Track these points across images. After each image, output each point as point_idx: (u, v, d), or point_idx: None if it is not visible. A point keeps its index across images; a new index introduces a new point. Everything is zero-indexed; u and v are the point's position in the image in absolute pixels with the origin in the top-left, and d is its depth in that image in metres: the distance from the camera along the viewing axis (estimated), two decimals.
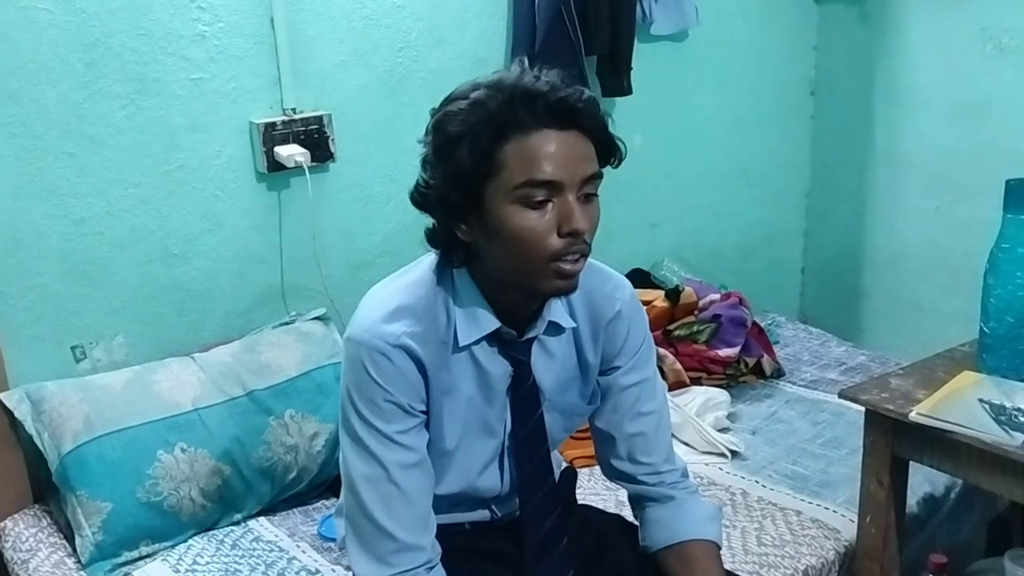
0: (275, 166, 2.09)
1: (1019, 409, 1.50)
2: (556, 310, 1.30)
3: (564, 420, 1.40)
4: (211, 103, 2.02)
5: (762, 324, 2.63)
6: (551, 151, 1.13)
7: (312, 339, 2.10)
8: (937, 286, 2.85)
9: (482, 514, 1.44)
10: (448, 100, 1.19)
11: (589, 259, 1.24)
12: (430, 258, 1.29)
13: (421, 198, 1.23)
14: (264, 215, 2.15)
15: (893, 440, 1.59)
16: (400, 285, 1.27)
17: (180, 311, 2.09)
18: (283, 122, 2.08)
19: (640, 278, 2.69)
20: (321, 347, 2.09)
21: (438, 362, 1.25)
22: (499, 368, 1.30)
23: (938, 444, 1.52)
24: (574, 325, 1.33)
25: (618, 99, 2.51)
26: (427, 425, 1.28)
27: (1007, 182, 1.59)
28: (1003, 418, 1.47)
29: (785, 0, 2.94)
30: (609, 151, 1.20)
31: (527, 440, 1.35)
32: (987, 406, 1.51)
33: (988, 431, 1.44)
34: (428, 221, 1.24)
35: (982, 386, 1.58)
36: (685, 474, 1.44)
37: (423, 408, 1.26)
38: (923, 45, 2.75)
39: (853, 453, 2.08)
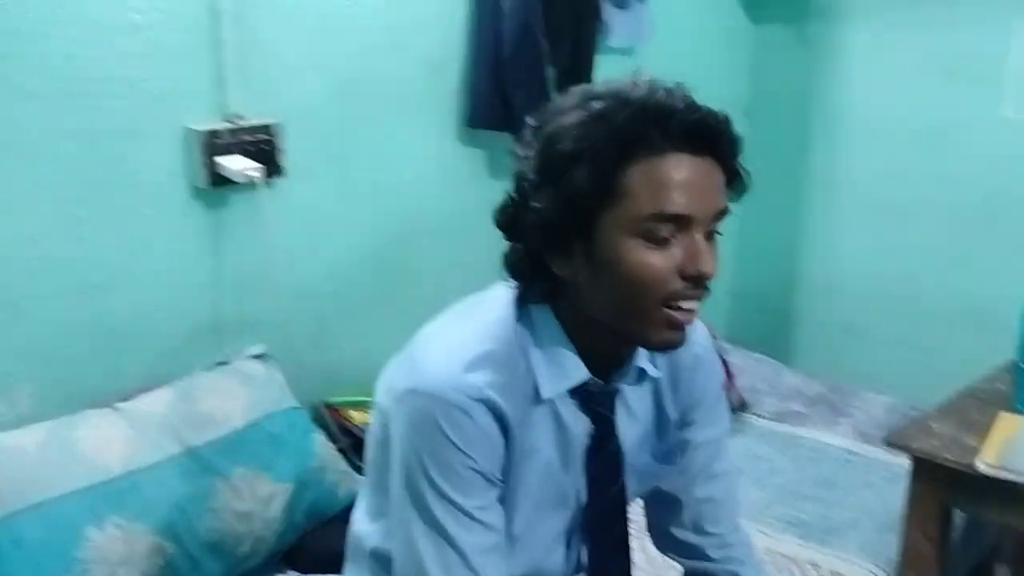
0: (217, 180, 1.78)
1: None
2: (641, 356, 1.11)
3: (637, 485, 1.19)
4: (143, 105, 1.69)
5: None
6: (685, 180, 0.94)
7: (255, 382, 1.80)
8: (872, 311, 2.84)
9: None
10: (558, 110, 0.98)
11: None
12: (503, 292, 1.07)
13: (513, 221, 1.02)
14: (199, 237, 1.83)
15: (947, 491, 1.48)
16: (477, 326, 1.04)
17: (99, 352, 1.74)
18: (228, 130, 1.78)
19: None
20: (267, 391, 1.80)
21: (520, 419, 1.03)
22: (581, 426, 1.09)
23: (1002, 496, 1.42)
24: (659, 374, 1.14)
25: None
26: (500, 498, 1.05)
27: None
28: None
29: (722, 19, 2.88)
30: (735, 182, 1.02)
31: (605, 514, 1.14)
32: None
33: None
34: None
35: None
36: (751, 546, 1.28)
37: (501, 477, 1.04)
38: (864, 69, 2.74)
39: (848, 494, 2.00)
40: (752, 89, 2.99)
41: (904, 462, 2.08)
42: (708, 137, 0.96)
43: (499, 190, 2.43)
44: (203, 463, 1.64)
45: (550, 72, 2.22)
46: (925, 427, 1.54)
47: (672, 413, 1.18)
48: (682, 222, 0.95)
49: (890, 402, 2.40)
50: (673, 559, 1.28)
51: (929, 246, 2.66)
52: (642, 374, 1.12)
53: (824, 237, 2.93)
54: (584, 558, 1.17)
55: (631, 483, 1.17)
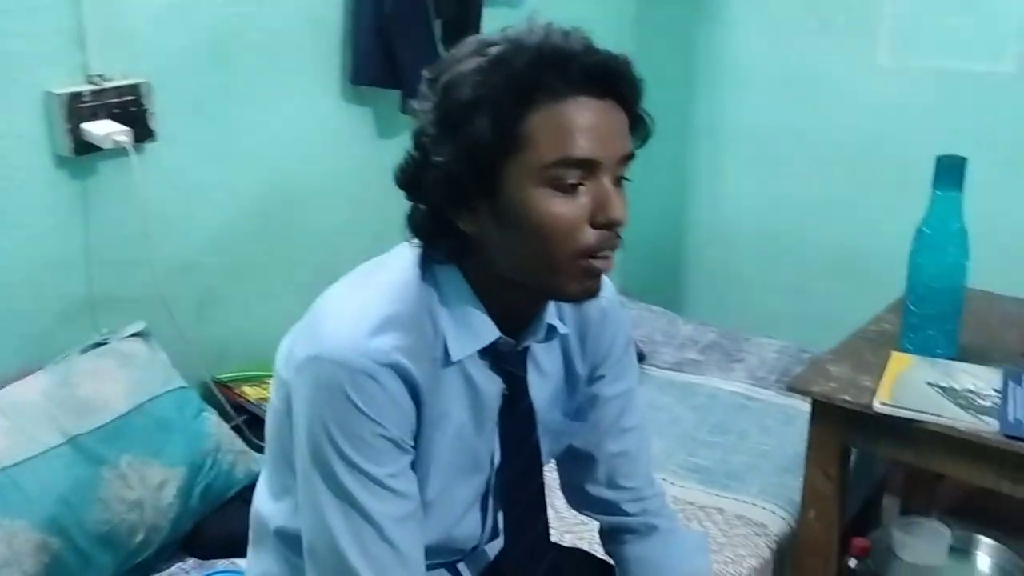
0: (82, 147, 1.65)
1: (971, 391, 1.48)
2: (551, 312, 1.08)
3: (551, 444, 1.17)
4: None
5: None
6: (588, 123, 0.91)
7: (136, 362, 1.70)
8: (759, 258, 2.90)
9: None
10: (454, 60, 0.94)
11: None
12: (407, 253, 1.02)
13: (413, 179, 0.97)
14: (66, 210, 1.70)
15: (845, 431, 1.52)
16: (381, 289, 0.99)
17: None
18: (91, 92, 1.64)
19: None
20: (150, 371, 1.70)
21: (430, 384, 0.99)
22: (493, 387, 1.05)
23: (896, 433, 1.47)
24: (567, 330, 1.12)
25: None
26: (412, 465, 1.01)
27: (937, 159, 1.57)
28: (962, 402, 1.45)
29: None
30: (641, 127, 0.99)
31: (520, 474, 1.12)
32: (938, 390, 1.48)
33: (958, 418, 1.41)
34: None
35: (920, 368, 1.55)
36: (665, 497, 1.28)
37: (413, 443, 1.00)
38: (745, 19, 2.76)
39: (745, 438, 2.05)
40: (637, 40, 2.97)
41: (798, 404, 2.15)
42: (609, 79, 0.92)
43: (387, 149, 2.36)
44: (86, 452, 1.54)
45: (436, 25, 2.15)
46: (823, 370, 1.57)
47: (581, 369, 1.16)
48: (589, 168, 0.92)
49: (781, 346, 2.46)
50: (589, 516, 1.27)
51: (811, 193, 2.73)
52: (551, 331, 1.09)
53: (711, 186, 2.97)
54: (500, 522, 1.15)
55: (544, 442, 1.15)
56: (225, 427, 1.74)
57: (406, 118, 2.19)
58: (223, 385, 1.92)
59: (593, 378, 1.18)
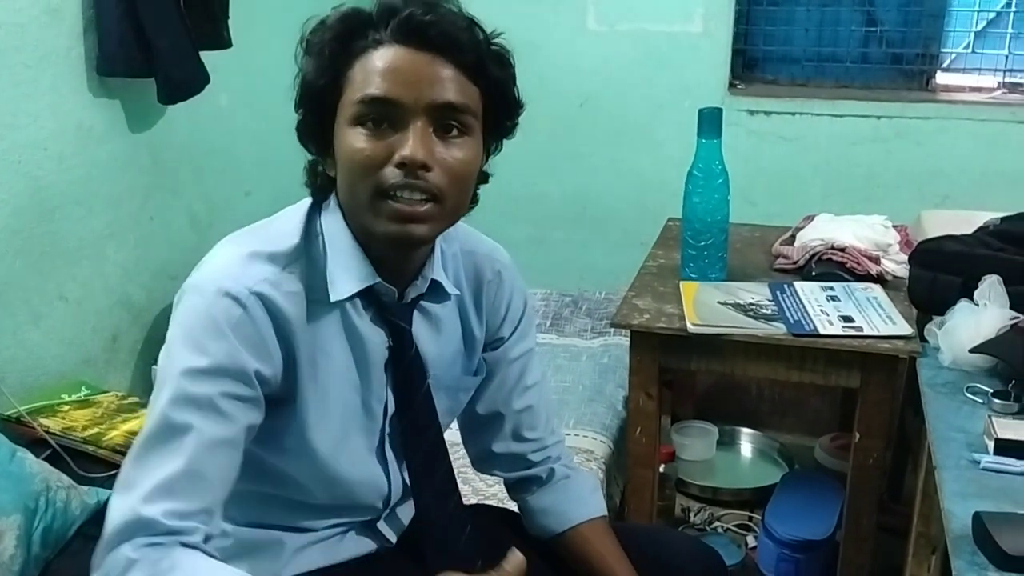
0: None
1: (752, 303, 1.77)
2: (438, 271, 1.14)
3: (449, 400, 1.23)
4: None
5: None
6: (392, 66, 0.98)
7: None
8: (503, 214, 3.05)
9: (366, 544, 1.22)
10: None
11: (464, 224, 1.14)
12: (298, 204, 1.10)
13: (298, 128, 1.08)
14: None
15: (661, 354, 1.74)
16: (268, 232, 1.07)
17: None
18: None
19: None
20: None
21: (305, 323, 1.03)
22: (376, 337, 1.10)
23: (706, 348, 1.72)
24: (458, 292, 1.19)
25: (215, 53, 2.18)
26: (292, 418, 1.06)
27: (700, 111, 1.82)
28: (751, 313, 1.73)
29: None
30: (501, 97, 1.06)
31: (414, 421, 1.16)
32: (730, 307, 1.75)
33: (755, 327, 1.68)
34: None
35: (707, 292, 1.82)
36: (563, 441, 1.39)
37: (270, 390, 1.02)
38: None
39: (542, 380, 2.22)
40: None
41: (578, 342, 2.40)
42: (430, 34, 0.98)
43: (144, 143, 2.23)
44: None
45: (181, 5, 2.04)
46: (633, 306, 1.78)
47: (478, 330, 1.23)
48: (393, 109, 0.98)
49: (544, 293, 2.68)
50: (497, 475, 1.35)
51: (540, 150, 2.95)
52: (441, 291, 1.15)
53: None
54: (407, 477, 1.19)
55: (441, 399, 1.19)
56: (46, 464, 1.58)
57: (163, 109, 2.11)
58: (14, 422, 1.72)
59: (496, 339, 1.26)
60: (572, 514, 1.31)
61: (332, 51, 1.00)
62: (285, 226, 1.06)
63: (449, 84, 1.00)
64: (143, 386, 2.08)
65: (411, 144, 0.97)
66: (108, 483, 1.60)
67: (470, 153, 1.03)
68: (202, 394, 0.96)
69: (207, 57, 2.10)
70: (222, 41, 2.17)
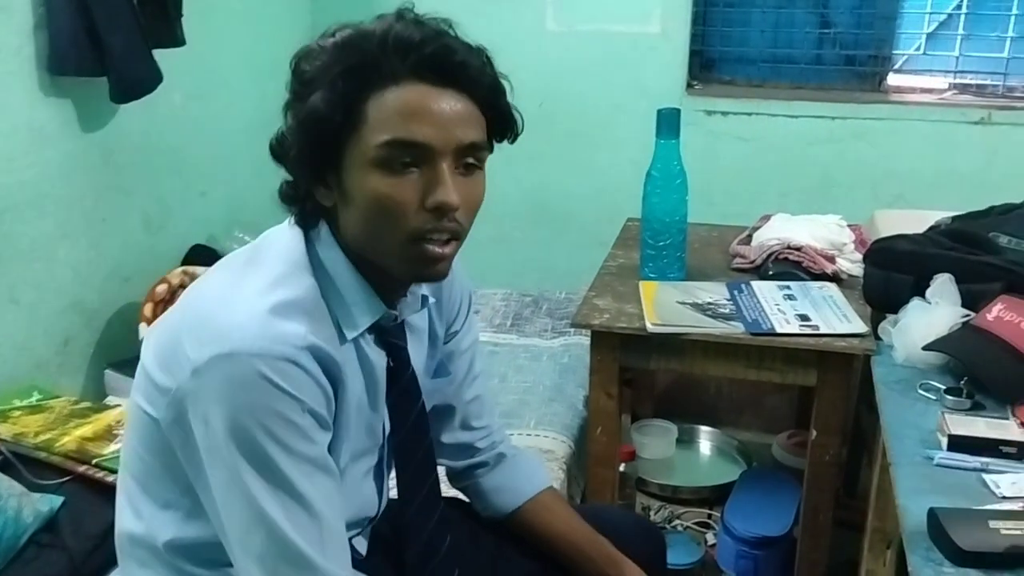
0: None
1: (710, 303, 1.78)
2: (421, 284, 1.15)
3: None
4: None
5: None
6: (418, 107, 0.96)
7: None
8: None
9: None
10: (315, 40, 1.01)
11: None
12: (285, 237, 1.05)
13: (279, 148, 1.02)
14: None
15: (622, 354, 1.75)
16: (271, 274, 1.01)
17: None
18: None
19: (204, 256, 2.38)
20: None
21: (338, 363, 1.02)
22: (380, 360, 1.11)
23: (665, 348, 1.73)
24: (434, 300, 1.20)
25: (168, 51, 2.15)
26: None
27: (658, 112, 1.84)
28: (709, 313, 1.74)
29: None
30: (503, 123, 1.06)
31: (408, 439, 1.18)
32: (689, 306, 1.77)
33: (714, 326, 1.69)
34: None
35: (666, 291, 1.83)
36: (503, 429, 1.42)
37: (331, 422, 1.04)
38: None
39: (504, 380, 2.23)
40: (312, 19, 2.97)
41: (539, 343, 2.40)
42: (448, 68, 0.97)
43: (96, 143, 2.20)
44: None
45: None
46: (593, 306, 1.79)
47: (439, 329, 1.24)
48: (420, 151, 0.96)
49: (504, 293, 2.67)
50: (443, 464, 1.35)
51: (501, 151, 2.91)
52: (424, 299, 1.16)
53: None
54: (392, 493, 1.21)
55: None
56: None
57: (116, 108, 2.07)
58: None
59: (448, 335, 1.27)
60: (526, 487, 1.34)
61: (346, 85, 0.95)
62: (287, 264, 1.02)
63: (470, 121, 0.99)
64: (95, 390, 2.04)
65: (447, 190, 0.96)
66: (60, 490, 1.57)
67: (483, 185, 1.03)
68: (306, 460, 0.97)
69: (160, 55, 2.07)
70: (176, 39, 2.14)
